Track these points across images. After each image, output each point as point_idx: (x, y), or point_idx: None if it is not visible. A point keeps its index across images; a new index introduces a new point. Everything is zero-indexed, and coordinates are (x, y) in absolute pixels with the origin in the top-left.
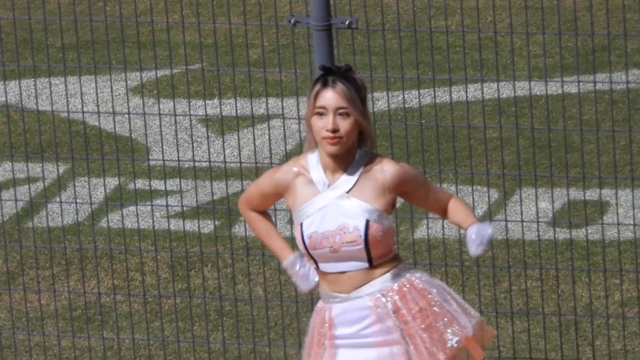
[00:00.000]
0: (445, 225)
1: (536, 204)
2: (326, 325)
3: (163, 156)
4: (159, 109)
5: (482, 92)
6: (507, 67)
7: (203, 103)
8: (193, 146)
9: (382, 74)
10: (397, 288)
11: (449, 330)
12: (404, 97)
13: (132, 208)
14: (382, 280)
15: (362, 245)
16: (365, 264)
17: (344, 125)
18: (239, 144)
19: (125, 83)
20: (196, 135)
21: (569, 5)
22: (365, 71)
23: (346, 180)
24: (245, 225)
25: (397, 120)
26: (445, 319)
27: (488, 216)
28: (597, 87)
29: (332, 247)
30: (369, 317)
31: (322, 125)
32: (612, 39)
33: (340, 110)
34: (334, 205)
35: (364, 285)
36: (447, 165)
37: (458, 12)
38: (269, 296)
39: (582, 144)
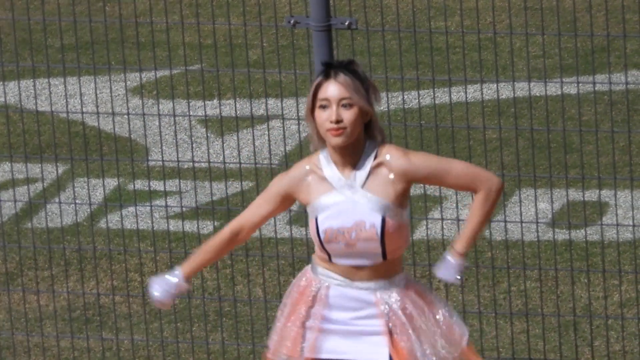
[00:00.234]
0: (444, 226)
1: (535, 204)
2: (317, 301)
3: (162, 157)
4: (159, 109)
5: (482, 93)
6: (506, 68)
7: (202, 104)
8: (192, 147)
9: (382, 74)
10: (400, 290)
11: (446, 339)
12: (403, 97)
13: (131, 209)
14: (388, 281)
15: (378, 243)
16: (380, 259)
17: (348, 115)
18: (238, 144)
19: (124, 83)
20: (195, 135)
21: (568, 6)
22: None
23: (359, 175)
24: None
25: (397, 121)
26: (444, 327)
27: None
28: (596, 88)
29: (347, 242)
30: (369, 308)
31: (326, 117)
32: (612, 40)
33: (344, 101)
34: (350, 201)
35: (370, 280)
36: None
37: (458, 13)
38: (268, 297)
39: (581, 145)
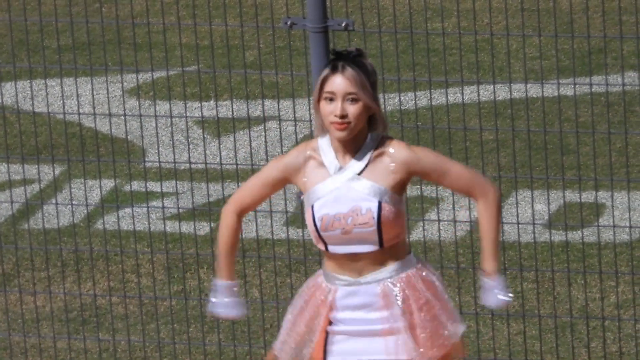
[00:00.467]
0: (441, 227)
1: (532, 206)
2: (326, 305)
3: (159, 158)
4: (155, 110)
5: (479, 94)
6: (503, 70)
7: (199, 105)
8: (189, 148)
9: (379, 76)
10: (405, 277)
11: (450, 324)
12: (400, 99)
13: (128, 210)
14: (392, 269)
15: (374, 227)
16: (376, 247)
17: (353, 110)
18: (235, 145)
19: (121, 85)
20: (192, 137)
21: (565, 8)
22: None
23: (357, 163)
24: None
25: (394, 122)
26: (447, 314)
27: None
28: (593, 90)
29: (343, 228)
30: (376, 303)
31: (331, 110)
32: (608, 41)
33: (349, 96)
34: (346, 187)
35: (373, 271)
36: None
37: (454, 14)
38: (265, 298)
39: (578, 147)
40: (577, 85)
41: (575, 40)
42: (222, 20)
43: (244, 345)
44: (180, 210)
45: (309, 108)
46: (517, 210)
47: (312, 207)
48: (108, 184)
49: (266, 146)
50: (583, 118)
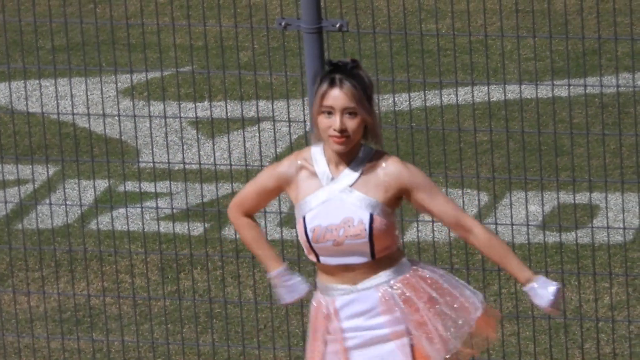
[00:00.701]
0: (435, 228)
1: (526, 207)
2: (331, 318)
3: (153, 158)
4: (149, 111)
5: (473, 96)
6: (497, 71)
7: (193, 105)
8: (183, 148)
9: (373, 77)
10: (402, 279)
11: (460, 316)
12: (394, 100)
13: (122, 210)
14: (387, 275)
15: (366, 239)
16: (368, 258)
17: (352, 124)
18: (229, 146)
19: (115, 85)
20: (186, 137)
21: (559, 9)
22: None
23: (349, 174)
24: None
25: (388, 123)
26: (456, 305)
27: (478, 218)
28: (587, 91)
29: (335, 240)
30: (377, 308)
31: (329, 124)
32: (603, 42)
33: (348, 110)
34: (338, 198)
35: (367, 279)
36: (437, 169)
37: (449, 15)
38: (259, 299)
39: (572, 148)
40: (571, 87)
41: (570, 41)
42: (216, 21)
43: (237, 345)
44: (174, 210)
45: (303, 109)
46: (511, 211)
47: (304, 218)
48: (102, 184)
49: (260, 147)
50: (577, 119)
